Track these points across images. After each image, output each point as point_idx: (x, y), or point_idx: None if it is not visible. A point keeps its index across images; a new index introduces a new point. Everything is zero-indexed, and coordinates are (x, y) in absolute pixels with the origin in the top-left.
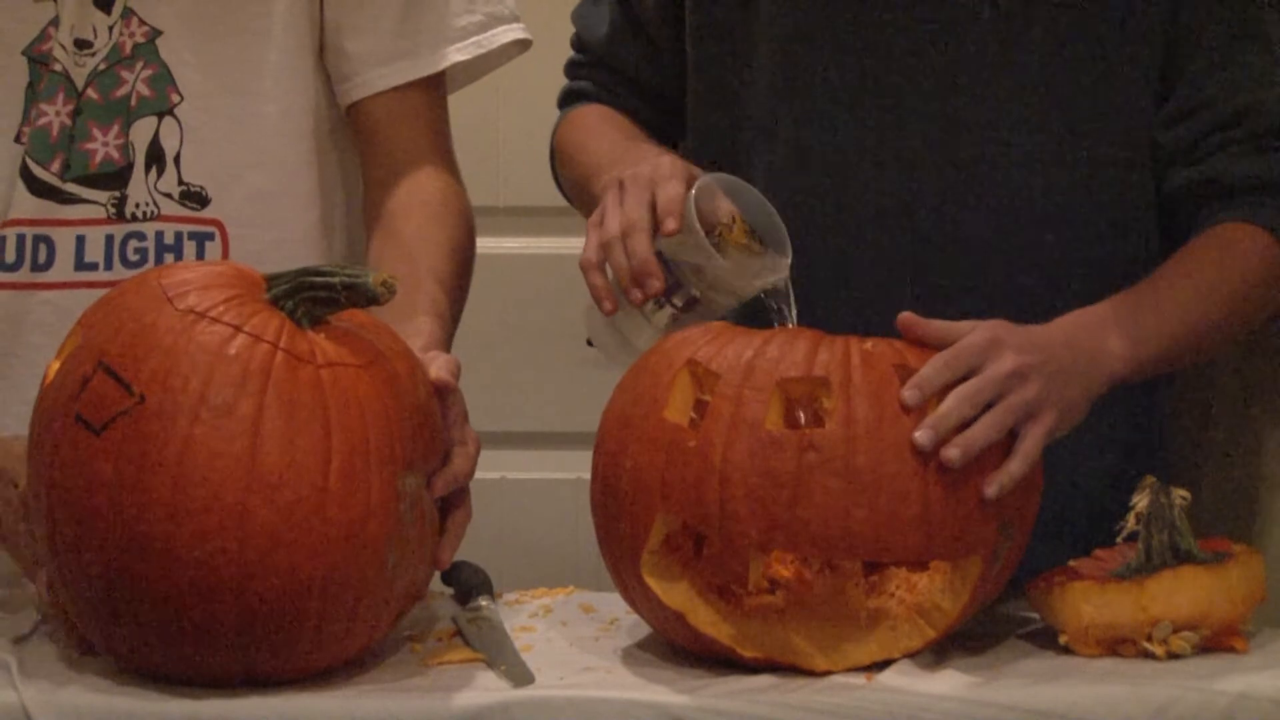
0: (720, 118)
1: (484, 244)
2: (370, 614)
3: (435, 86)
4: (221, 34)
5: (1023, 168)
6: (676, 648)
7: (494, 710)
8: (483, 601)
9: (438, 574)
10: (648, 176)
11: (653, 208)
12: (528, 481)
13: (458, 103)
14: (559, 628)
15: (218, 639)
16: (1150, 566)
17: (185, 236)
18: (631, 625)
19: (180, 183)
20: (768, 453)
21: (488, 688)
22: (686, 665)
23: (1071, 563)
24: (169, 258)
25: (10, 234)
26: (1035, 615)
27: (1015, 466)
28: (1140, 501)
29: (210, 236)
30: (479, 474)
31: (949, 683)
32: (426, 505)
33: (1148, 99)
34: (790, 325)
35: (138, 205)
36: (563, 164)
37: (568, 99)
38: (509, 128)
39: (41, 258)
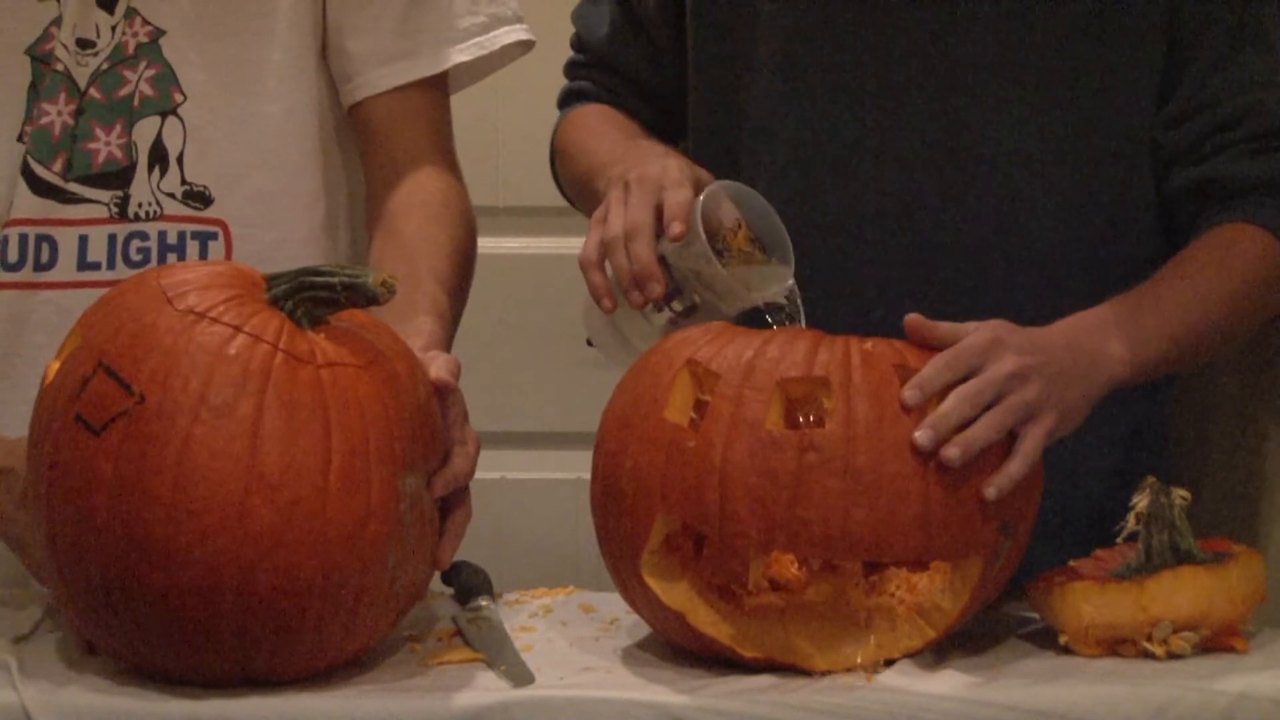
0: (720, 117)
1: (484, 244)
2: (370, 614)
3: (437, 87)
4: (225, 34)
5: (1023, 168)
6: (676, 648)
7: (494, 710)
8: (483, 601)
9: (438, 574)
10: (654, 178)
11: (658, 210)
12: (528, 481)
13: (458, 103)
14: (559, 628)
15: (218, 639)
16: (1150, 567)
17: (188, 236)
18: (631, 625)
19: (183, 182)
20: (768, 453)
21: (488, 688)
22: (686, 665)
23: (1071, 563)
24: (172, 258)
25: (13, 234)
26: (1035, 615)
27: (1015, 467)
28: (1140, 501)
29: (213, 236)
30: (479, 474)
31: (949, 683)
32: (426, 505)
33: (1148, 99)
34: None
35: (140, 205)
36: (563, 163)
37: (568, 99)
38: (509, 128)
39: (44, 257)
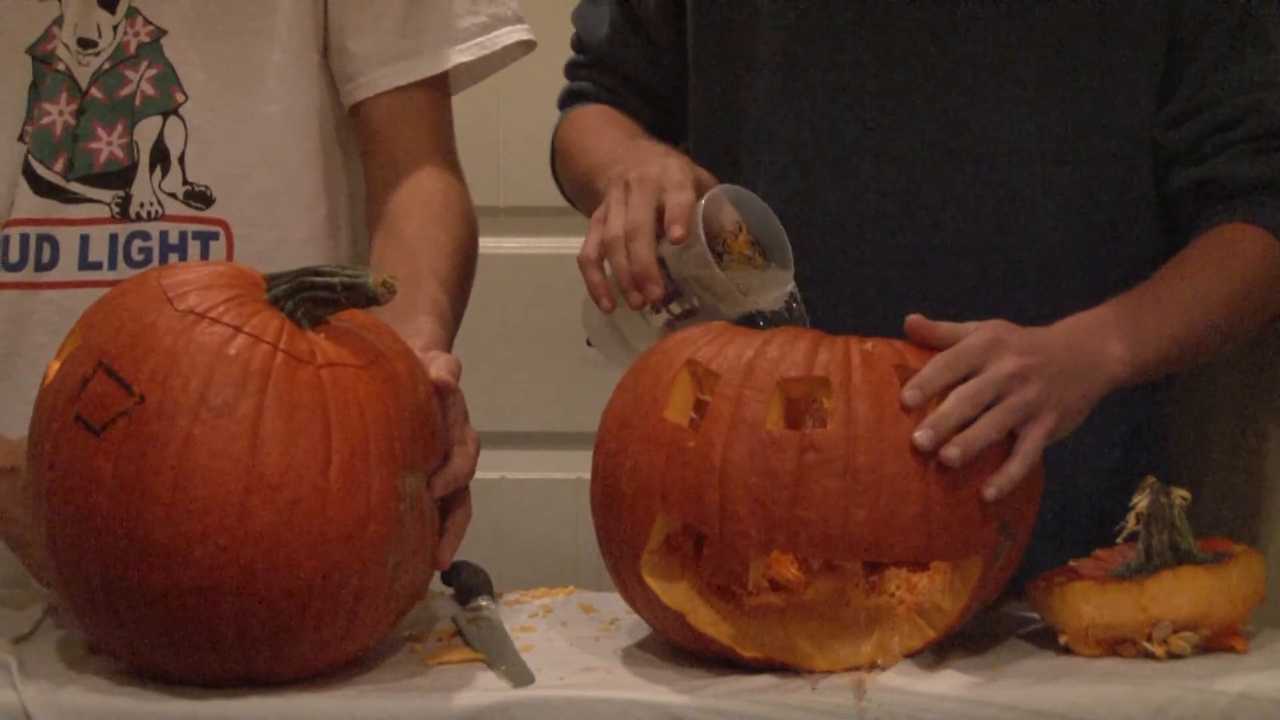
0: (721, 118)
1: (484, 244)
2: (370, 614)
3: (438, 87)
4: (226, 34)
5: (1023, 167)
6: (676, 648)
7: (494, 710)
8: (483, 601)
9: (438, 574)
10: (656, 180)
11: (659, 212)
12: (528, 481)
13: (458, 103)
14: (559, 628)
15: (218, 639)
16: (1150, 567)
17: (190, 236)
18: (631, 625)
19: (185, 182)
20: (768, 453)
21: (488, 688)
22: (686, 665)
23: (1071, 563)
24: (173, 257)
25: (14, 233)
26: (1035, 615)
27: (1014, 468)
28: (1140, 501)
29: (215, 236)
30: (479, 474)
31: (949, 683)
32: (426, 505)
33: (1149, 99)
34: None
35: (142, 205)
36: (564, 163)
37: (568, 100)
38: (509, 128)
39: (45, 257)
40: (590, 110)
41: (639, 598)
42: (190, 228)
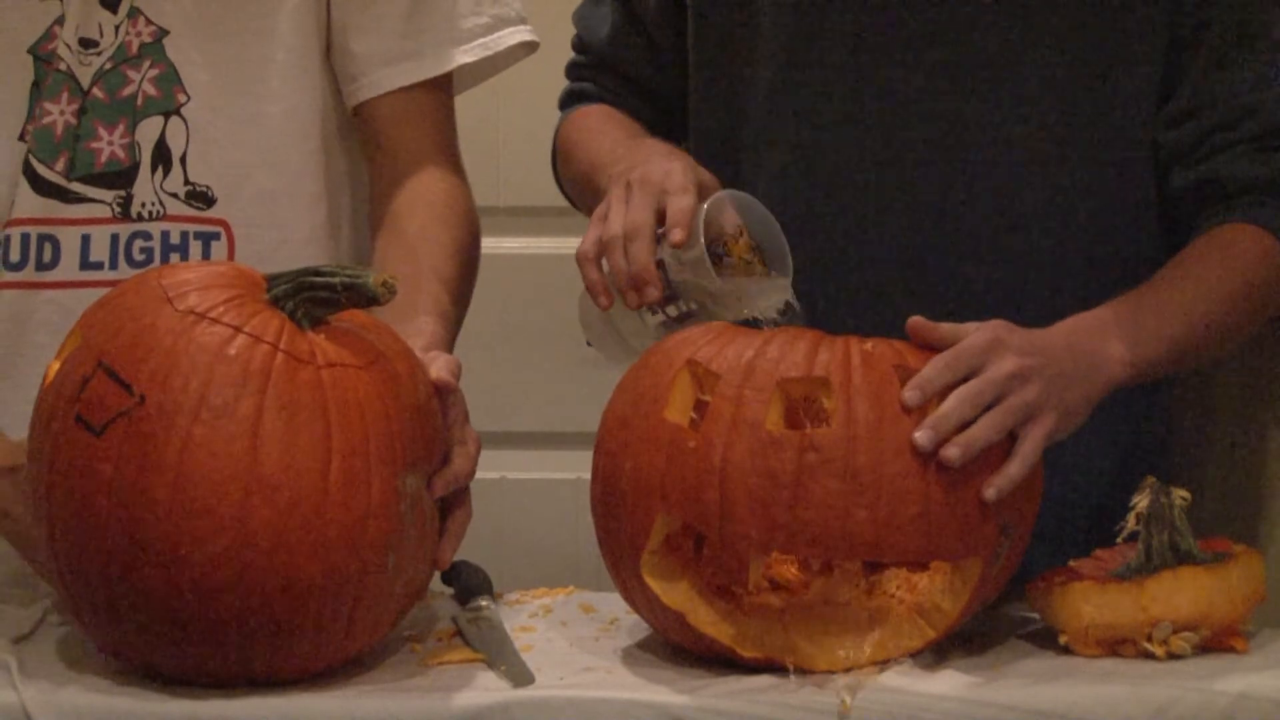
0: (721, 118)
1: (484, 244)
2: (370, 614)
3: (442, 88)
4: (228, 34)
5: (1023, 168)
6: (676, 648)
7: (494, 710)
8: (483, 601)
9: (438, 574)
10: (657, 182)
11: (659, 214)
12: (528, 481)
13: (458, 103)
14: (559, 628)
15: (218, 639)
16: (1150, 567)
17: (191, 236)
18: (631, 625)
19: (186, 182)
20: (768, 453)
21: (488, 688)
22: (686, 665)
23: (1071, 563)
24: (175, 257)
25: (14, 233)
26: (1035, 615)
27: (1014, 469)
28: (1140, 501)
29: (216, 236)
30: (479, 474)
31: (949, 683)
32: (427, 505)
33: (1149, 99)
34: None
35: (143, 205)
36: (565, 162)
37: (569, 100)
38: (509, 128)
39: (46, 257)
40: (592, 110)
41: (639, 598)
42: (191, 228)
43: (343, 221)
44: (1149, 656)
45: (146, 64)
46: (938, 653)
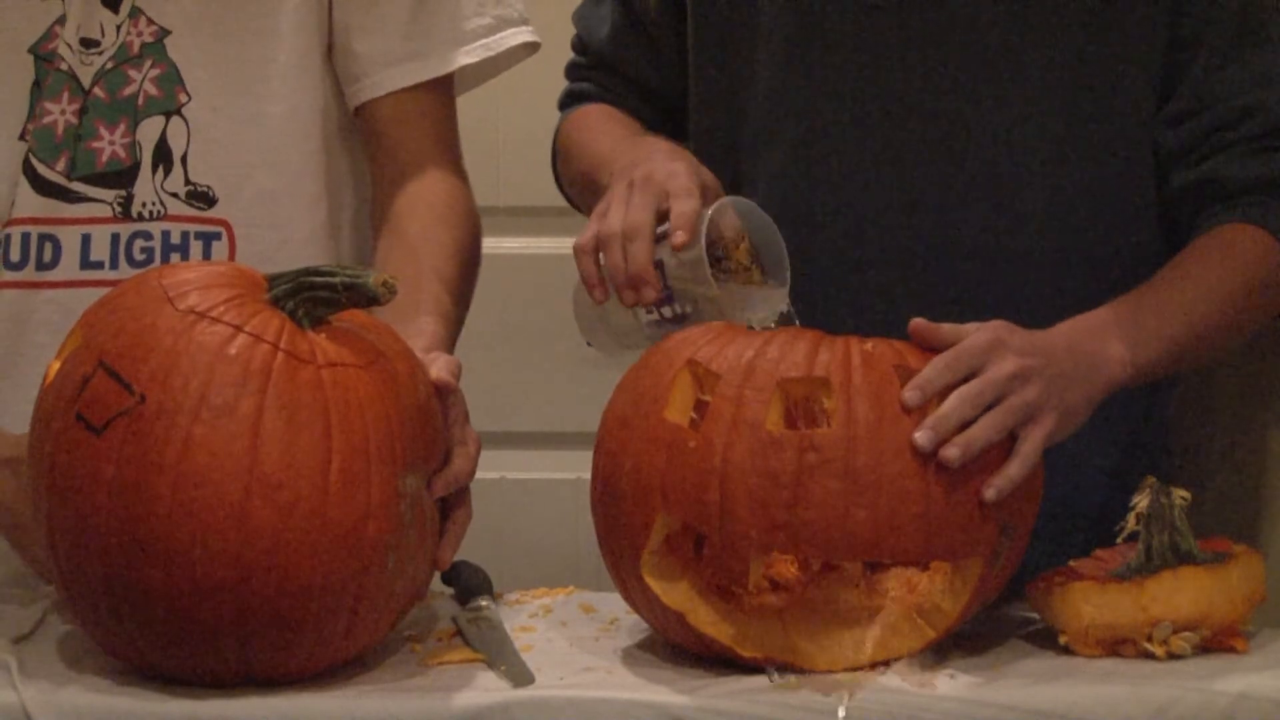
0: (721, 118)
1: (484, 244)
2: (370, 614)
3: (444, 88)
4: (230, 34)
5: (1024, 168)
6: (676, 648)
7: (494, 710)
8: (483, 601)
9: (438, 574)
10: (660, 182)
11: (660, 215)
12: (528, 481)
13: (459, 103)
14: (559, 628)
15: (218, 639)
16: (1150, 567)
17: (192, 236)
18: (631, 625)
19: (187, 182)
20: (768, 453)
21: (488, 688)
22: (686, 665)
23: (1071, 563)
24: (175, 257)
25: (15, 232)
26: (1035, 615)
27: (1014, 469)
28: (1141, 501)
29: (217, 236)
30: (479, 474)
31: (949, 683)
32: (427, 505)
33: (1149, 99)
34: None
35: (144, 204)
36: (566, 161)
37: (568, 100)
38: (509, 128)
39: (47, 256)
40: (593, 109)
41: (639, 598)
42: (192, 228)
43: (344, 222)
44: (1149, 656)
45: (148, 64)
46: (938, 653)
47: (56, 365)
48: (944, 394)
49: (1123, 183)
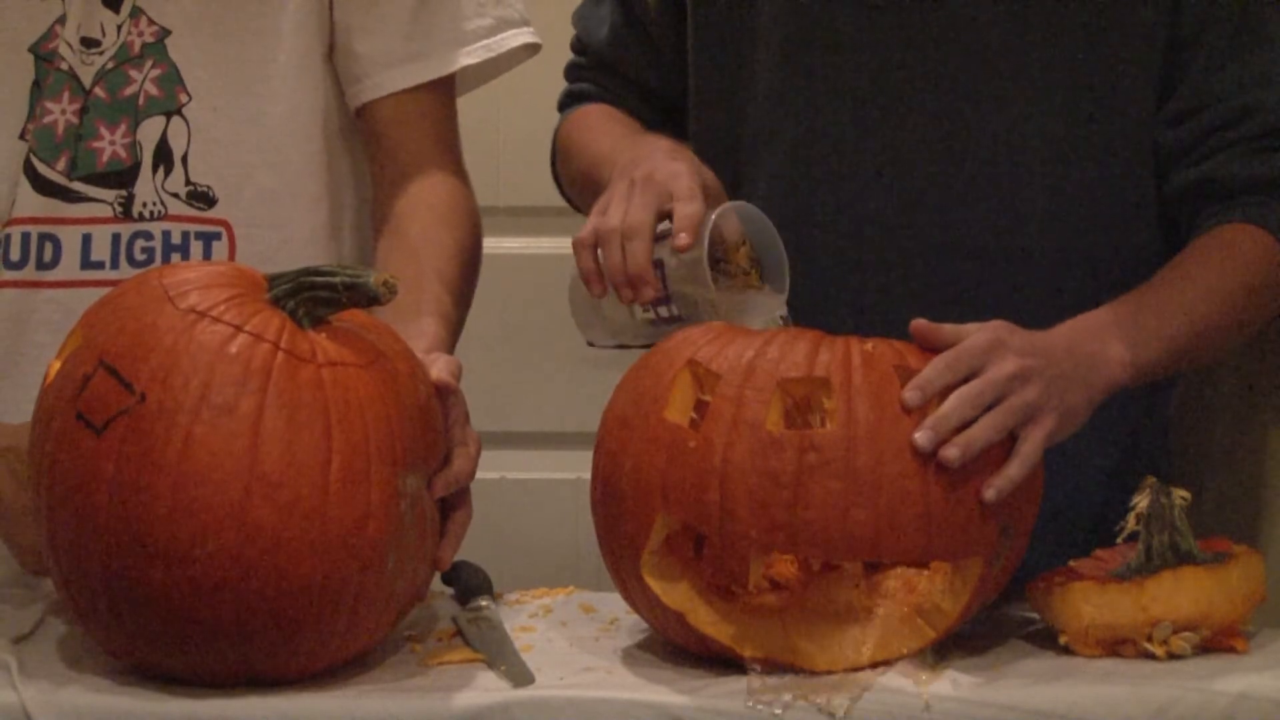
0: (721, 118)
1: (484, 244)
2: (370, 614)
3: (445, 89)
4: (230, 34)
5: (1024, 168)
6: (676, 648)
7: (494, 710)
8: (483, 601)
9: (438, 574)
10: (662, 182)
11: (660, 216)
12: (528, 481)
13: (458, 103)
14: (559, 628)
15: (218, 639)
16: (1150, 567)
17: (192, 236)
18: (631, 625)
19: (187, 183)
20: (768, 453)
21: (488, 688)
22: (686, 665)
23: (1071, 563)
24: (176, 257)
25: (15, 232)
26: (1035, 615)
27: (1014, 470)
28: (1141, 502)
29: (217, 236)
30: (479, 474)
31: (949, 683)
32: (427, 506)
33: (1149, 99)
34: None
35: (145, 205)
36: (566, 160)
37: (568, 101)
38: (509, 128)
39: (47, 256)
40: (593, 109)
41: (639, 598)
42: (193, 228)
43: (344, 222)
44: (1149, 656)
45: (148, 64)
46: (938, 653)
47: (57, 365)
48: (944, 394)
49: (1123, 183)
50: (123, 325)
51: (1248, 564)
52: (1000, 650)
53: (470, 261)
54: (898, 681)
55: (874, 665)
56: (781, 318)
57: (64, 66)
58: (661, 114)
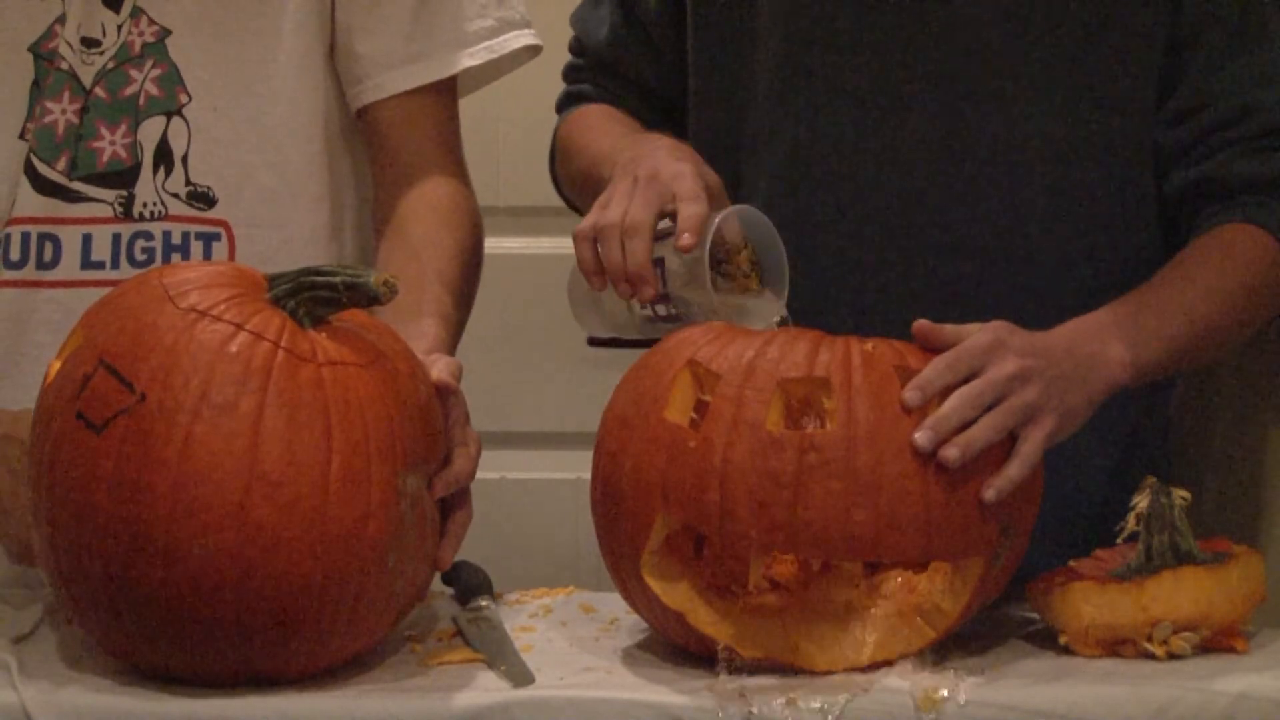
0: (721, 118)
1: (484, 244)
2: (370, 614)
3: (446, 91)
4: (231, 34)
5: (1024, 168)
6: (676, 648)
7: (494, 710)
8: (483, 601)
9: (438, 574)
10: (665, 182)
11: (662, 215)
12: (528, 481)
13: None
14: (559, 628)
15: (218, 639)
16: (1150, 567)
17: (192, 237)
18: (631, 625)
19: (188, 183)
20: (768, 453)
21: (488, 688)
22: (686, 665)
23: (1072, 563)
24: (176, 257)
25: (15, 232)
26: (1035, 615)
27: (1014, 470)
28: (1141, 502)
29: (217, 237)
30: (479, 474)
31: (949, 683)
32: (427, 505)
33: (1149, 99)
34: None
35: (145, 205)
36: (565, 159)
37: (566, 102)
38: (509, 128)
39: (47, 256)
40: (593, 109)
41: (639, 598)
42: (193, 228)
43: (345, 222)
44: (1149, 656)
45: (149, 64)
46: (938, 653)
47: (57, 364)
48: (944, 394)
49: (1123, 183)
50: (123, 325)
51: (1248, 564)
52: (1000, 650)
53: (471, 263)
54: (898, 681)
55: (874, 665)
56: (780, 320)
57: (64, 66)
58: (661, 114)
